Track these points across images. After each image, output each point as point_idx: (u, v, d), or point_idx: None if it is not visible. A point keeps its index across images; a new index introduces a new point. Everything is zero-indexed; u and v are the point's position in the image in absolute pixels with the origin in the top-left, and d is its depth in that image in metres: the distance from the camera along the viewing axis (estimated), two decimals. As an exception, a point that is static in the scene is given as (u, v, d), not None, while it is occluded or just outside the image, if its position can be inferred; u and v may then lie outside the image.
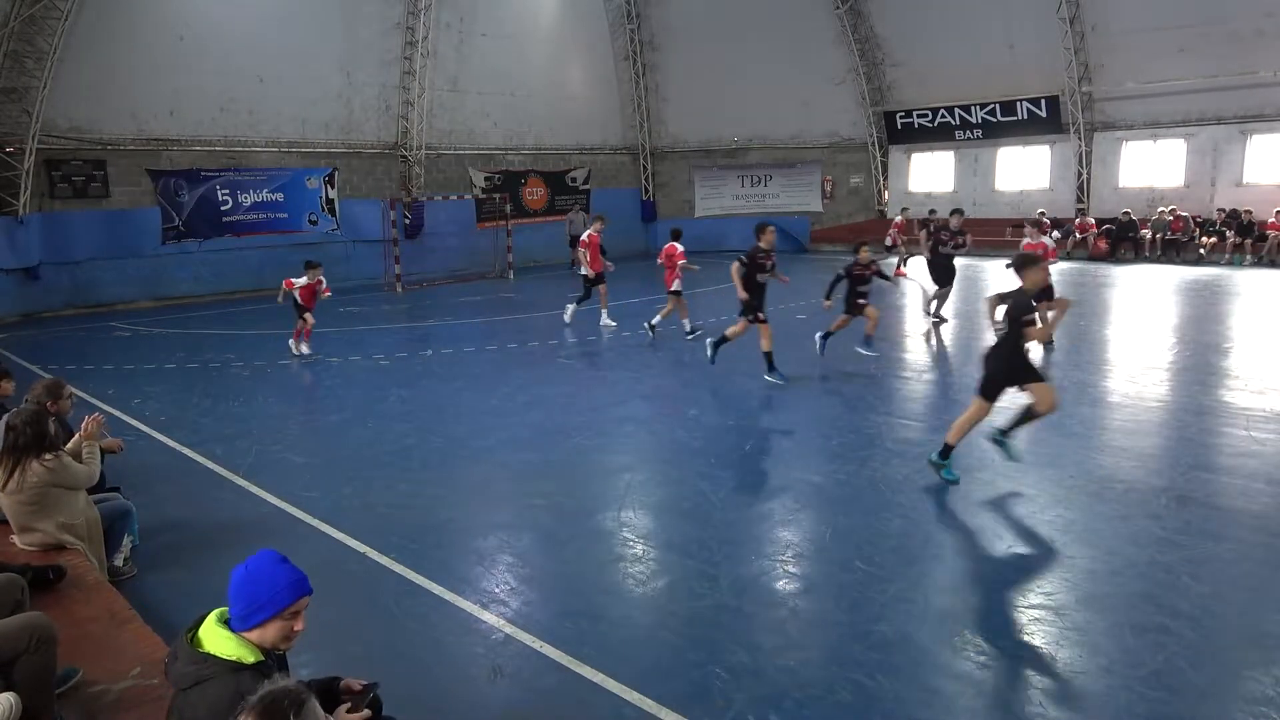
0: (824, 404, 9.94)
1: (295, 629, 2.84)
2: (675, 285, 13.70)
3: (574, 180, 28.78)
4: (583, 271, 15.04)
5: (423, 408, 10.09)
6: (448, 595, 5.32)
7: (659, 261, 14.57)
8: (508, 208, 25.67)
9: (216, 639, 2.76)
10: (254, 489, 7.34)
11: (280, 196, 22.07)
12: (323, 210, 22.96)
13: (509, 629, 4.89)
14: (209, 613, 2.83)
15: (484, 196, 26.15)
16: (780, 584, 5.43)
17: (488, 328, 16.09)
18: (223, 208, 21.11)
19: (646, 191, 30.76)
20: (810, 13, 27.66)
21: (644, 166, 30.65)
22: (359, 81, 23.19)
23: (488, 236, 25.61)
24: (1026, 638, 4.63)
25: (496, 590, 5.41)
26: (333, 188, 23.06)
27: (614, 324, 15.00)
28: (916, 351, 12.87)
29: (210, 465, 8.04)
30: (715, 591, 5.31)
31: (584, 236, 15.18)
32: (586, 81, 28.89)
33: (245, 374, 12.18)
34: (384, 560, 5.84)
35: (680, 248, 13.81)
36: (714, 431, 8.75)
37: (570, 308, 15.33)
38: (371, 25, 23.10)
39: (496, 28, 25.70)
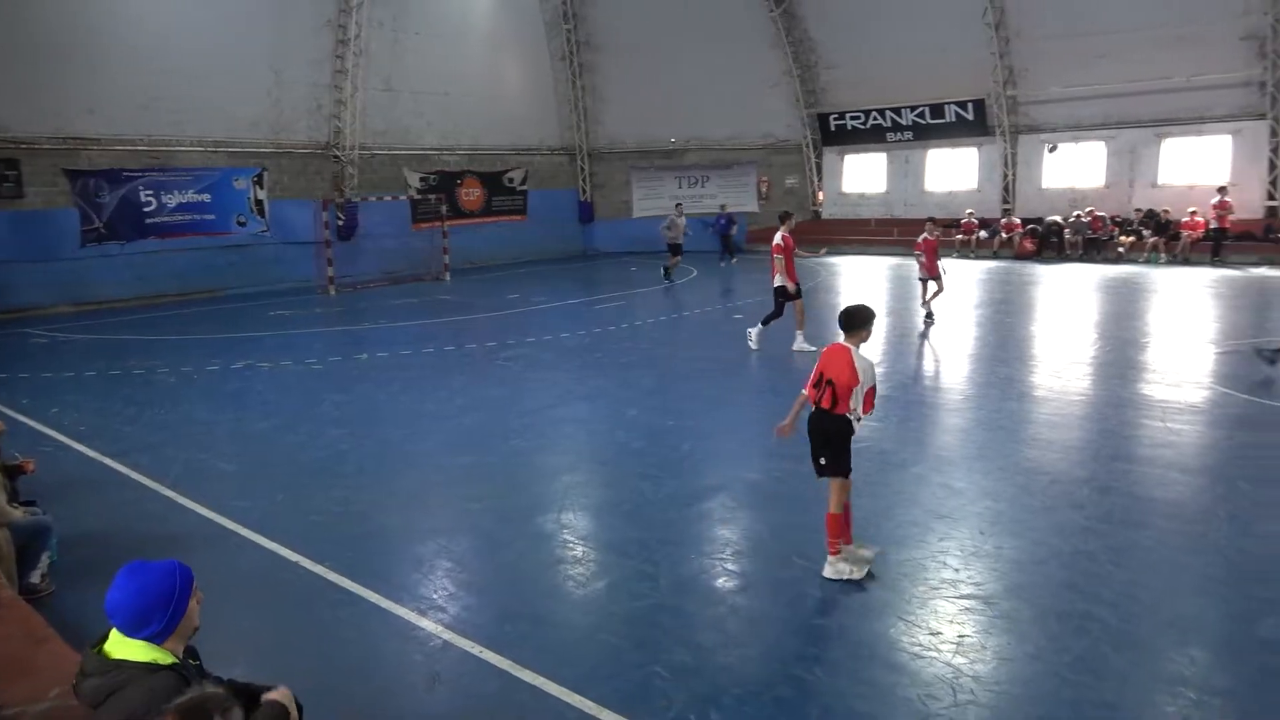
0: (760, 403, 10.04)
1: (197, 606, 2.89)
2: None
3: (511, 181, 28.56)
4: (776, 283, 12.28)
5: (358, 412, 9.90)
6: (384, 603, 5.24)
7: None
8: (444, 208, 25.36)
9: (127, 647, 2.69)
10: (181, 499, 7.11)
11: (207, 197, 21.41)
12: (251, 211, 22.34)
13: (447, 635, 4.83)
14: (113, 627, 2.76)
15: (419, 197, 25.78)
16: (720, 582, 5.48)
17: (424, 330, 15.86)
18: (146, 209, 20.39)
19: (584, 192, 30.69)
20: (746, 16, 27.95)
21: (581, 167, 30.56)
22: (289, 79, 22.63)
23: (424, 238, 25.24)
24: (958, 627, 4.75)
25: (434, 596, 5.34)
26: (261, 188, 22.46)
27: (812, 348, 11.30)
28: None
29: (134, 475, 7.75)
30: (655, 591, 5.33)
31: (777, 239, 12.26)
32: (523, 82, 28.69)
33: (171, 380, 11.79)
34: (318, 569, 5.71)
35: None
36: (653, 432, 8.78)
37: (754, 331, 12.60)
38: (302, 22, 22.54)
39: (430, 27, 25.35)
